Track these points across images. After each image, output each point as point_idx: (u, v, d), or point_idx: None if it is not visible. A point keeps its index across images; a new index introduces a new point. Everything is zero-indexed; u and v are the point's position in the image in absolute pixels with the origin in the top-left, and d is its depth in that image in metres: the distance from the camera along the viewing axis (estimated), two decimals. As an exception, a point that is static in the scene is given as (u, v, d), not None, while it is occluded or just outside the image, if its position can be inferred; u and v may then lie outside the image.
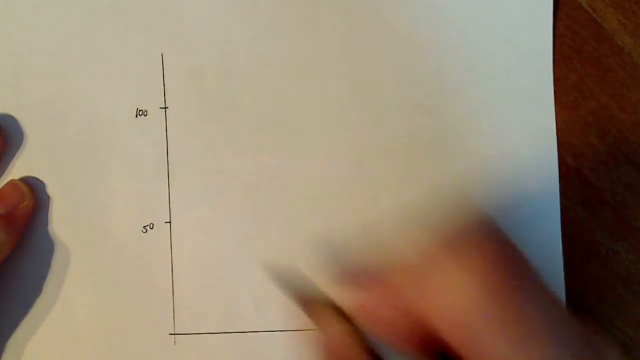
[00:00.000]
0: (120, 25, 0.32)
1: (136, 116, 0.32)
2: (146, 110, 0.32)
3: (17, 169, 0.32)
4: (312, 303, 0.26)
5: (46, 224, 0.32)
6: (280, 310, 0.31)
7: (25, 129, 0.32)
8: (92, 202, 0.32)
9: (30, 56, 0.32)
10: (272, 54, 0.32)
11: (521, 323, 0.20)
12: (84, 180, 0.32)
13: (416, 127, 0.32)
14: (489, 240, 0.22)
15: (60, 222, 0.32)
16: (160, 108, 0.32)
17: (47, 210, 0.32)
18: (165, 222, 0.32)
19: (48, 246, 0.32)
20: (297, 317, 0.31)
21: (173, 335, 0.31)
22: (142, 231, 0.32)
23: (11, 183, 0.31)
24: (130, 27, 0.32)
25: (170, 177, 0.32)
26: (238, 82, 0.32)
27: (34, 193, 0.31)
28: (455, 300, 0.20)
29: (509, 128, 0.32)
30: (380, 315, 0.23)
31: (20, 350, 0.31)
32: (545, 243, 0.31)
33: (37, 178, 0.32)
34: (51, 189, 0.32)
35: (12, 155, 0.32)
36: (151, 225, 0.32)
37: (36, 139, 0.32)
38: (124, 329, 0.31)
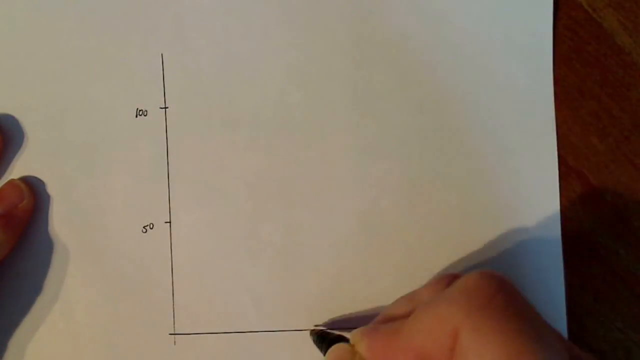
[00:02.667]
0: (120, 25, 0.32)
1: (136, 116, 0.32)
2: (146, 110, 0.32)
3: (17, 169, 0.32)
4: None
5: (46, 224, 0.32)
6: (280, 310, 0.31)
7: (25, 129, 0.32)
8: (92, 202, 0.32)
9: (30, 56, 0.32)
10: (272, 54, 0.32)
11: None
12: (84, 180, 0.32)
13: (416, 127, 0.32)
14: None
15: (60, 222, 0.32)
16: (160, 108, 0.32)
17: (47, 210, 0.32)
18: (165, 222, 0.32)
19: (48, 246, 0.32)
20: (297, 317, 0.31)
21: (173, 335, 0.31)
22: (142, 231, 0.32)
23: (11, 183, 0.31)
24: (130, 27, 0.32)
25: (170, 177, 0.32)
26: (238, 82, 0.32)
27: (33, 193, 0.31)
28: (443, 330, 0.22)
29: (509, 128, 0.32)
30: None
31: (20, 349, 0.31)
32: (545, 243, 0.31)
33: (37, 178, 0.32)
34: (51, 189, 0.32)
35: (12, 155, 0.32)
36: (151, 225, 0.32)
37: (36, 139, 0.32)
38: (124, 328, 0.31)
